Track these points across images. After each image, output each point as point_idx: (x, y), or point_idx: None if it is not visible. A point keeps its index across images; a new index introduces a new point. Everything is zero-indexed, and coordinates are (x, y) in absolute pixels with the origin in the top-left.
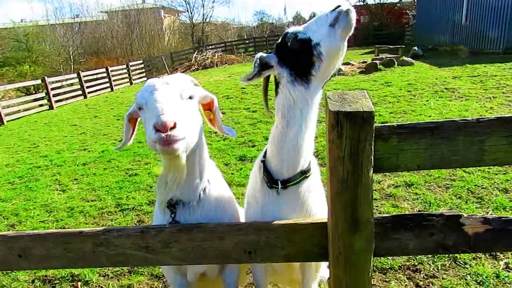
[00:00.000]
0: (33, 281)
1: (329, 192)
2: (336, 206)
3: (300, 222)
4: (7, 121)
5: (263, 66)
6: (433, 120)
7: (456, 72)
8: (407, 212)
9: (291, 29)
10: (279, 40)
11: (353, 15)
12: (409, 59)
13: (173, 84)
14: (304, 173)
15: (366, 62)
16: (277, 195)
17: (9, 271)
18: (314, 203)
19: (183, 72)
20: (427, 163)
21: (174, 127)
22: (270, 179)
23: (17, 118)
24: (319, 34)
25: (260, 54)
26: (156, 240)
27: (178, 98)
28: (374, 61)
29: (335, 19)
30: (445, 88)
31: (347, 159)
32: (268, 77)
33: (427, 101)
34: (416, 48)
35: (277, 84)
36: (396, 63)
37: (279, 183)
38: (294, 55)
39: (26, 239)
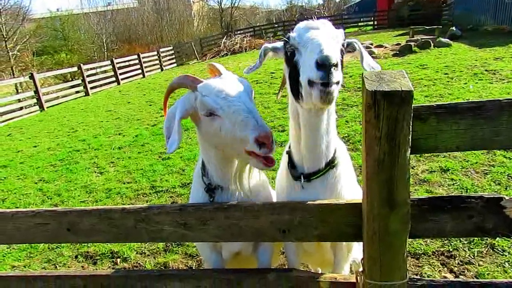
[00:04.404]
0: (76, 257)
1: (364, 173)
2: (372, 187)
3: (335, 202)
4: (47, 107)
5: None
6: (475, 100)
7: (498, 53)
8: None
9: None
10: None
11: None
12: (446, 40)
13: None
14: (328, 164)
15: (400, 44)
16: (301, 188)
17: (54, 248)
18: (344, 190)
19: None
20: (467, 144)
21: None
22: (294, 172)
23: (56, 104)
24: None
25: None
26: (194, 218)
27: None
28: (409, 43)
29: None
30: (486, 70)
31: (384, 140)
32: None
33: (465, 83)
34: (454, 28)
35: None
36: (432, 44)
37: (302, 177)
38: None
39: (74, 214)
